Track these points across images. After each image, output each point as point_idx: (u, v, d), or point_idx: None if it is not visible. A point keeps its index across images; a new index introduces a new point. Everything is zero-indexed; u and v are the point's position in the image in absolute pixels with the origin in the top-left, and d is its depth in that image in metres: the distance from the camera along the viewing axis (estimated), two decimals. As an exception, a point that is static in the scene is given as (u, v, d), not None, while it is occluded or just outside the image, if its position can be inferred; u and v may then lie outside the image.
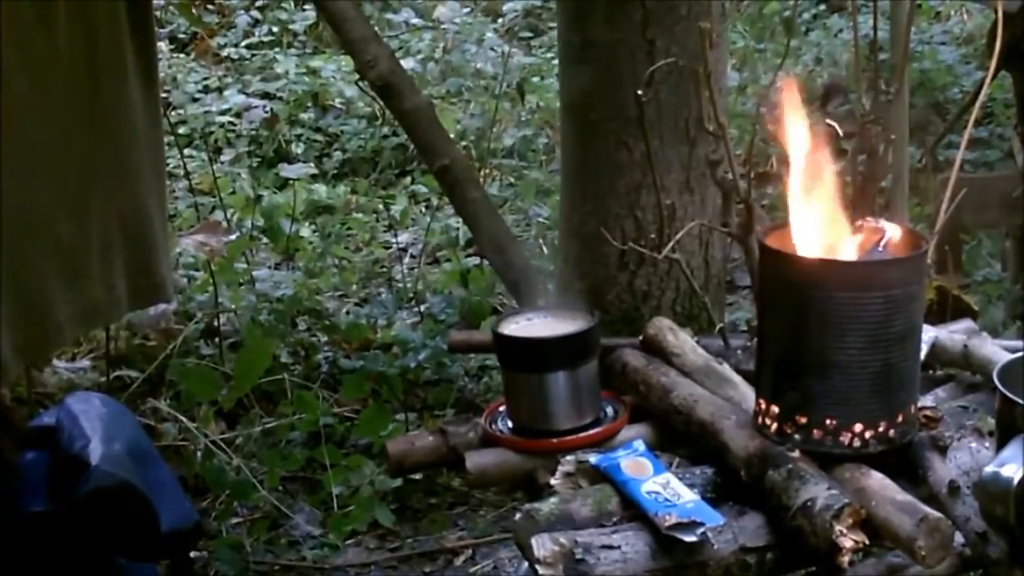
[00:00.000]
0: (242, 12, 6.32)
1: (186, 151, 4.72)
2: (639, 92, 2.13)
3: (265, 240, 4.24)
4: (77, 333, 2.29)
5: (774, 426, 1.65)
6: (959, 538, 1.52)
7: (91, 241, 1.88)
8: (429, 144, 2.88)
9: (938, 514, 1.49)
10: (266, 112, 5.40)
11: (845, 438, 1.62)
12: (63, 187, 1.82)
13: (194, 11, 5.81)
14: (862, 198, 1.96)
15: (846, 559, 1.47)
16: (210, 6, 6.34)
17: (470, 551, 2.79)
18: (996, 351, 1.89)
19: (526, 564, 1.58)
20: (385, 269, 4.14)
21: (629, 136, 2.41)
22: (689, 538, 1.50)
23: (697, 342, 2.00)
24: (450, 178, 2.85)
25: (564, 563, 1.48)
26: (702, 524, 1.52)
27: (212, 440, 2.97)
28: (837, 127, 1.80)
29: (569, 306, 2.06)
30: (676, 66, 2.31)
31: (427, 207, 4.61)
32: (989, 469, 1.48)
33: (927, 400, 1.80)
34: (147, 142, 1.98)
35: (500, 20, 6.36)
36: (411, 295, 3.82)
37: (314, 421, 3.03)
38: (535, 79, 5.52)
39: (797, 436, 1.63)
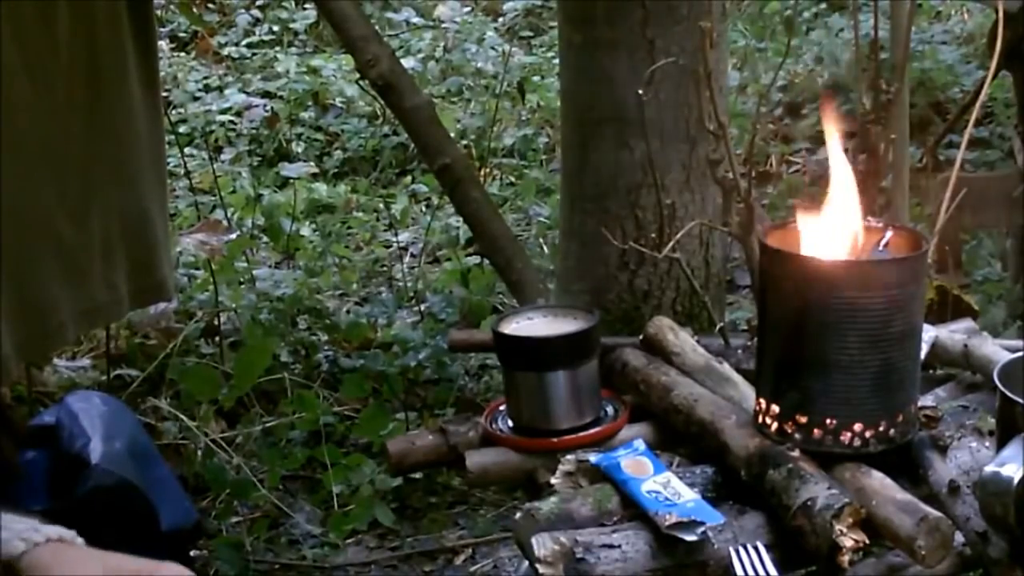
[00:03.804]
0: (243, 11, 6.33)
1: (187, 150, 4.72)
2: (639, 92, 2.13)
3: (265, 239, 4.24)
4: (78, 332, 2.29)
5: (774, 425, 1.65)
6: (959, 537, 1.52)
7: (92, 240, 1.88)
8: (429, 143, 2.88)
9: (938, 513, 1.49)
10: (267, 111, 5.40)
11: (845, 437, 1.62)
12: (64, 186, 1.82)
13: (195, 10, 5.82)
14: (862, 198, 1.96)
15: (846, 558, 1.47)
16: (211, 5, 6.35)
17: (470, 550, 2.79)
18: (996, 351, 1.89)
19: (526, 563, 1.58)
20: (385, 268, 4.14)
21: (629, 136, 2.41)
22: (689, 537, 1.50)
23: (697, 341, 2.00)
24: (450, 177, 2.85)
25: (564, 562, 1.48)
26: (702, 523, 1.52)
27: (212, 439, 2.98)
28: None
29: (569, 305, 2.06)
30: (676, 66, 2.31)
31: (427, 206, 4.61)
32: (989, 468, 1.48)
33: (927, 400, 1.80)
34: (148, 141, 1.98)
35: (501, 19, 6.37)
36: (411, 294, 3.83)
37: (314, 420, 3.03)
38: (535, 78, 5.52)
39: (797, 435, 1.63)
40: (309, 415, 3.04)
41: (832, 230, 1.68)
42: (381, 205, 4.57)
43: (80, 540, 1.15)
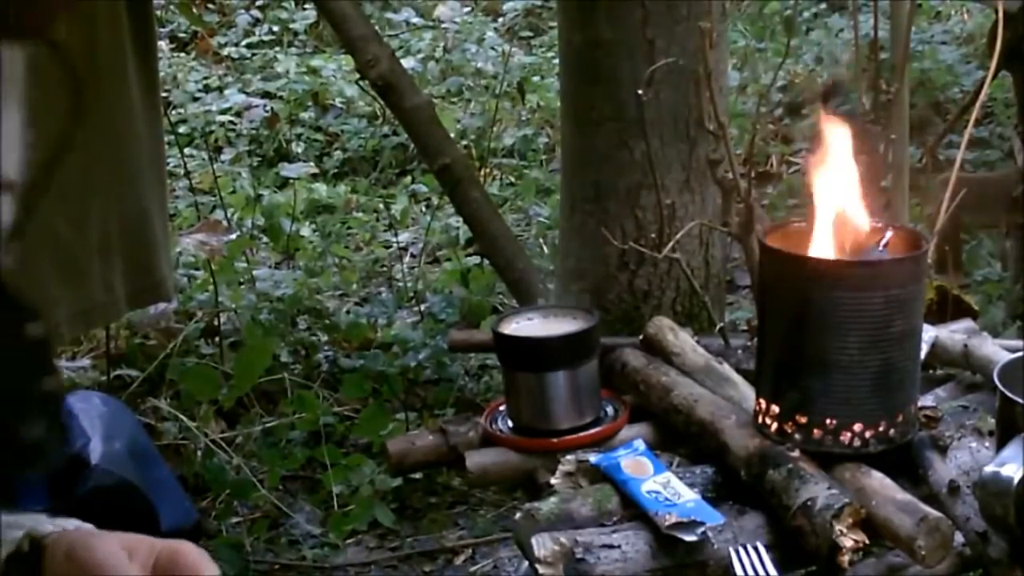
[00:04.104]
0: (243, 11, 6.34)
1: (186, 150, 4.72)
2: (639, 92, 2.12)
3: (265, 239, 4.24)
4: (76, 332, 2.29)
5: (774, 426, 1.65)
6: (959, 538, 1.52)
7: (90, 240, 1.87)
8: (429, 143, 2.88)
9: (938, 514, 1.49)
10: (266, 111, 5.40)
11: (845, 438, 1.62)
12: (62, 186, 1.82)
13: (194, 10, 5.82)
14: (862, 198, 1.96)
15: (846, 559, 1.47)
16: (210, 5, 6.35)
17: (470, 550, 2.79)
18: (996, 351, 1.88)
19: (526, 563, 1.58)
20: (385, 268, 4.14)
21: (629, 136, 2.41)
22: (689, 537, 1.50)
23: (697, 342, 2.00)
24: (450, 177, 2.85)
25: (564, 562, 1.48)
26: (702, 523, 1.52)
27: (212, 439, 2.98)
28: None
29: (569, 305, 2.06)
30: (676, 66, 2.31)
31: (427, 206, 4.61)
32: (989, 469, 1.48)
33: (927, 400, 1.80)
34: (148, 142, 1.98)
35: (500, 19, 6.37)
36: (411, 294, 3.83)
37: (314, 420, 3.03)
38: (535, 78, 5.52)
39: (797, 436, 1.63)
40: (309, 415, 3.04)
41: (832, 230, 1.68)
42: (381, 205, 4.57)
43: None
